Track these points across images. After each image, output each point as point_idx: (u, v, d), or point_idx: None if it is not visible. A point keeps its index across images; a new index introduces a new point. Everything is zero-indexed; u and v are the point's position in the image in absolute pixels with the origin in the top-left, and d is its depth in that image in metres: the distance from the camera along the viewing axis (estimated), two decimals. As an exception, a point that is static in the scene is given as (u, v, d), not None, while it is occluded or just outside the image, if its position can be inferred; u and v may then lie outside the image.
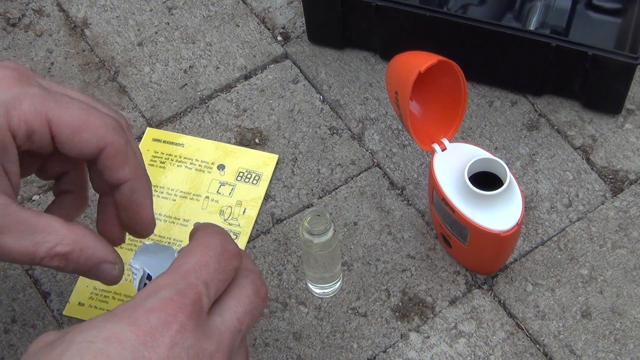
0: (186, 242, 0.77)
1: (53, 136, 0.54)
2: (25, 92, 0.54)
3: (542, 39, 0.76)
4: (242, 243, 0.77)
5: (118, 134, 0.56)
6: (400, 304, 0.73)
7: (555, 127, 0.82)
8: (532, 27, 0.81)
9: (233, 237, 0.77)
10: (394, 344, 0.71)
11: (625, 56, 0.76)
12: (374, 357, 0.71)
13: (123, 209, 0.58)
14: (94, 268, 0.56)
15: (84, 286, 0.75)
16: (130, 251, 0.77)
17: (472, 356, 0.70)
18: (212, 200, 0.79)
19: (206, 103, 0.85)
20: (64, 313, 0.74)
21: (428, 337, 0.71)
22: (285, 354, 0.71)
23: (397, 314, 0.73)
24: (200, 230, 0.53)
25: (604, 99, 0.81)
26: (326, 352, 0.71)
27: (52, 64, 0.89)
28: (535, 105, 0.83)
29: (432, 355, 0.71)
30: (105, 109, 0.58)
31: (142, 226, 0.60)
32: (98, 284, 0.76)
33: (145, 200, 0.58)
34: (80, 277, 0.76)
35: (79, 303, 0.75)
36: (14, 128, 0.53)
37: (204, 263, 0.50)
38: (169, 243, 0.77)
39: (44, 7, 0.93)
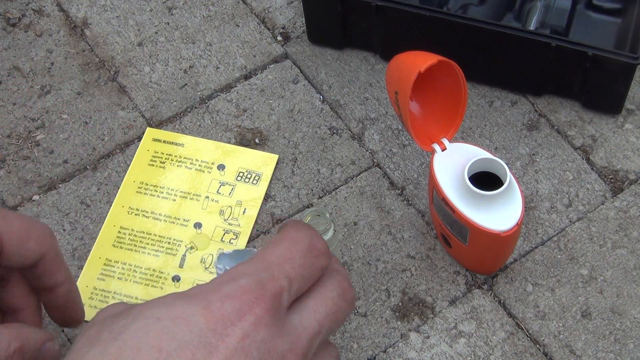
0: (186, 242, 0.77)
1: (2, 249, 0.57)
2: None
3: (542, 39, 0.76)
4: (242, 243, 0.77)
5: (54, 239, 0.60)
6: (400, 304, 0.73)
7: (555, 127, 0.82)
8: (532, 27, 0.81)
9: (233, 237, 0.77)
10: (394, 344, 0.71)
11: (625, 56, 0.75)
12: (374, 357, 0.71)
13: (59, 308, 0.63)
14: (41, 349, 0.58)
15: (84, 286, 0.75)
16: (130, 251, 0.77)
17: (472, 356, 0.70)
18: (212, 200, 0.79)
19: (206, 103, 0.85)
20: (64, 313, 0.74)
21: (428, 337, 0.71)
22: (285, 354, 0.71)
23: (397, 314, 0.73)
24: (288, 225, 0.50)
25: (604, 99, 0.81)
26: (326, 352, 0.71)
27: (52, 64, 0.89)
28: (535, 105, 0.83)
29: (432, 355, 0.71)
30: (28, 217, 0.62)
31: (77, 320, 0.65)
32: (98, 284, 0.76)
33: (79, 298, 0.64)
34: (80, 277, 0.76)
35: (79, 303, 0.75)
36: None
37: (289, 257, 0.46)
38: (169, 243, 0.77)
39: (44, 7, 0.93)
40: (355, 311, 0.73)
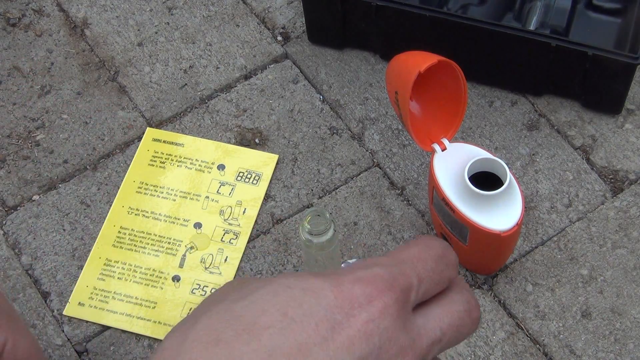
0: (186, 241, 0.77)
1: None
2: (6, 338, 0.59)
3: (542, 39, 0.76)
4: (242, 243, 0.77)
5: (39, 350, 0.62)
6: (400, 304, 0.73)
7: (555, 127, 0.82)
8: (532, 27, 0.81)
9: (233, 237, 0.77)
10: (394, 344, 0.71)
11: (625, 56, 0.75)
12: (374, 357, 0.71)
13: None
14: None
15: (84, 286, 0.75)
16: (130, 251, 0.77)
17: (472, 356, 0.70)
18: (212, 200, 0.79)
19: (206, 103, 0.85)
20: (64, 313, 0.74)
21: None
22: (285, 354, 0.71)
23: (397, 314, 0.73)
24: (422, 235, 0.52)
25: (604, 99, 0.81)
26: (326, 352, 0.71)
27: (52, 64, 0.89)
28: (535, 105, 0.83)
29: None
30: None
31: None
32: (98, 284, 0.76)
33: None
34: (80, 277, 0.76)
35: (79, 303, 0.75)
36: None
37: (421, 257, 0.47)
38: (169, 243, 0.77)
39: (44, 7, 0.93)
40: (355, 311, 0.73)
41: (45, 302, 0.75)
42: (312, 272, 0.44)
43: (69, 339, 0.73)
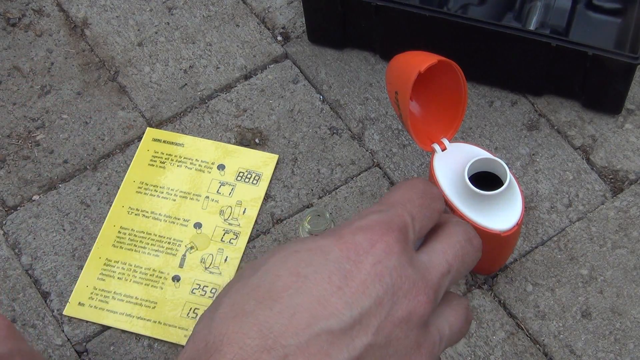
0: (186, 241, 0.77)
1: None
2: (18, 349, 0.58)
3: (542, 39, 0.76)
4: (242, 243, 0.77)
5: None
6: (400, 304, 0.73)
7: (555, 127, 0.82)
8: (532, 27, 0.81)
9: (233, 237, 0.77)
10: (394, 344, 0.71)
11: (625, 56, 0.75)
12: (374, 357, 0.71)
13: None
14: None
15: (84, 286, 0.75)
16: (130, 251, 0.77)
17: (472, 356, 0.70)
18: (212, 200, 0.79)
19: (206, 103, 0.85)
20: (64, 313, 0.74)
21: None
22: (285, 354, 0.71)
23: (397, 314, 0.73)
24: (404, 180, 0.54)
25: (604, 99, 0.81)
26: (326, 352, 0.71)
27: (52, 64, 0.89)
28: (535, 105, 0.83)
29: (432, 355, 0.71)
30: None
31: None
32: (98, 284, 0.76)
33: None
34: (80, 277, 0.76)
35: (79, 303, 0.75)
36: None
37: (408, 198, 0.49)
38: (169, 243, 0.77)
39: (44, 7, 0.93)
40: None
41: (45, 302, 0.75)
42: (314, 236, 0.46)
43: (69, 339, 0.73)
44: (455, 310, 0.50)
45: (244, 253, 0.76)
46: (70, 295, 0.75)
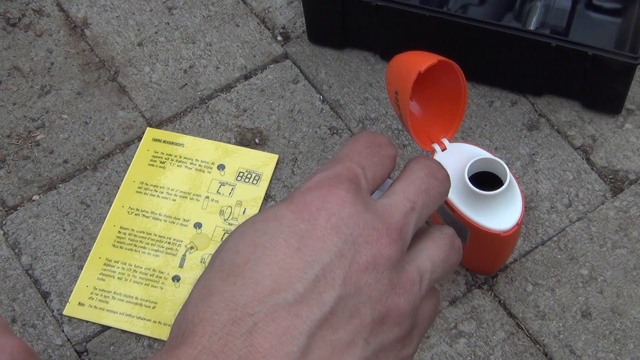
0: (186, 241, 0.77)
1: None
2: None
3: (542, 39, 0.76)
4: (242, 243, 0.77)
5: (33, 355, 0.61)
6: (400, 304, 0.73)
7: (555, 127, 0.82)
8: (532, 27, 0.81)
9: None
10: (394, 344, 0.71)
11: (625, 56, 0.75)
12: (374, 357, 0.71)
13: None
14: None
15: (84, 286, 0.75)
16: (130, 251, 0.77)
17: (472, 356, 0.70)
18: (212, 200, 0.79)
19: (206, 103, 0.85)
20: (64, 313, 0.74)
21: (428, 337, 0.71)
22: (285, 354, 0.71)
23: (397, 314, 0.73)
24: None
25: (604, 99, 0.81)
26: (326, 352, 0.71)
27: (52, 64, 0.89)
28: (535, 105, 0.83)
29: (432, 355, 0.71)
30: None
31: None
32: (98, 284, 0.76)
33: None
34: (80, 277, 0.76)
35: (79, 303, 0.75)
36: None
37: (355, 150, 0.49)
38: (169, 243, 0.77)
39: (44, 7, 0.93)
40: (355, 311, 0.73)
41: (45, 302, 0.75)
42: (271, 206, 0.45)
43: (69, 339, 0.73)
44: (436, 242, 0.49)
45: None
46: (70, 295, 0.75)
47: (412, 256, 0.48)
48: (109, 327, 0.74)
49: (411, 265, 0.47)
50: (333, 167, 0.47)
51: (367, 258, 0.44)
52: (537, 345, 0.71)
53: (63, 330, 0.74)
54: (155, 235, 0.77)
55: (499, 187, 0.66)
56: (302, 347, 0.41)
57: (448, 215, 0.69)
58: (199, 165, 0.81)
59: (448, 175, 0.51)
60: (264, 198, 0.79)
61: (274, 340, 0.41)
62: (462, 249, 0.51)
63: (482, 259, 0.73)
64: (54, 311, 0.75)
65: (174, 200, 0.80)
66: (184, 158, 0.82)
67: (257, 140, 0.83)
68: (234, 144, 0.82)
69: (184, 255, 0.77)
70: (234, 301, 0.42)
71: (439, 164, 0.50)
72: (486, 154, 0.68)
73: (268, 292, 0.42)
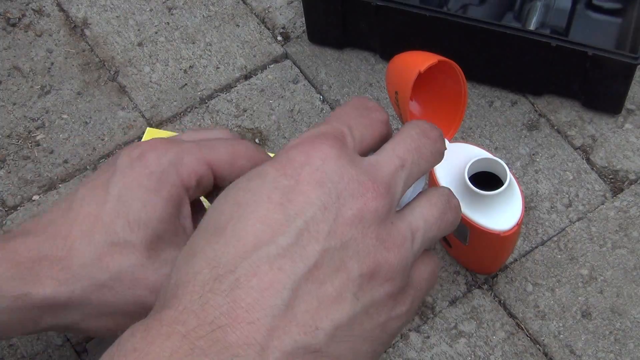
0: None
1: (215, 174, 0.58)
2: (182, 149, 0.58)
3: (542, 39, 0.76)
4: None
5: (259, 150, 0.60)
6: (400, 304, 0.73)
7: (555, 127, 0.82)
8: (532, 27, 0.81)
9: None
10: (394, 344, 0.71)
11: (625, 56, 0.75)
12: (374, 357, 0.71)
13: None
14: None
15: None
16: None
17: (472, 356, 0.70)
18: (212, 200, 0.79)
19: (206, 103, 0.85)
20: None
21: (428, 337, 0.71)
22: (285, 354, 0.71)
23: (397, 314, 0.73)
24: None
25: (604, 99, 0.81)
26: (326, 352, 0.71)
27: (52, 64, 0.89)
28: (535, 105, 0.83)
29: (432, 355, 0.71)
30: (229, 134, 0.63)
31: None
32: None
33: None
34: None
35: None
36: (186, 181, 0.57)
37: (344, 112, 0.48)
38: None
39: (44, 7, 0.93)
40: (355, 311, 0.73)
41: (45, 302, 0.75)
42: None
43: (68, 339, 0.73)
44: (430, 200, 0.48)
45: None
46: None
47: (404, 213, 0.47)
48: (109, 327, 0.74)
49: (402, 221, 0.46)
50: (318, 127, 0.47)
51: (353, 211, 0.43)
52: (537, 345, 0.71)
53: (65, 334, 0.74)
54: (155, 235, 0.77)
55: (499, 187, 0.66)
56: (286, 300, 0.41)
57: (448, 215, 0.68)
58: (199, 165, 0.81)
59: (441, 135, 0.50)
60: (264, 198, 0.79)
61: (257, 294, 0.41)
62: (459, 208, 0.50)
63: (482, 259, 0.73)
64: (54, 311, 0.75)
65: (174, 200, 0.79)
66: (184, 158, 0.82)
67: (257, 141, 0.83)
68: (234, 144, 0.82)
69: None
70: (215, 259, 0.42)
71: (432, 125, 0.50)
72: (486, 154, 0.68)
73: (250, 247, 0.42)
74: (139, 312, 0.53)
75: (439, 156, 0.51)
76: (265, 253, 0.41)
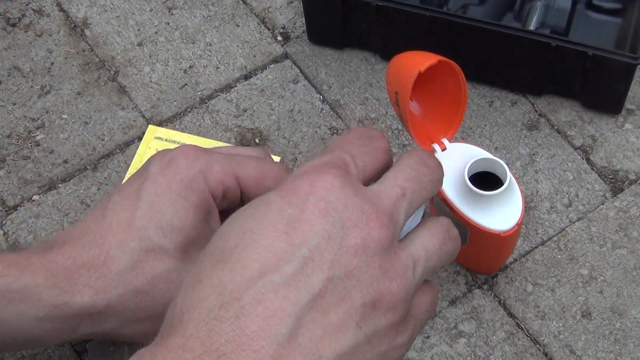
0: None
1: (242, 190, 0.60)
2: (212, 158, 0.60)
3: (542, 39, 0.76)
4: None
5: (289, 172, 0.62)
6: (400, 304, 0.73)
7: (555, 127, 0.82)
8: (532, 27, 0.81)
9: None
10: (394, 344, 0.71)
11: (625, 56, 0.75)
12: (374, 357, 0.71)
13: None
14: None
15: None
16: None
17: (472, 356, 0.70)
18: (212, 200, 0.79)
19: (206, 103, 0.85)
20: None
21: (428, 337, 0.71)
22: (285, 354, 0.71)
23: (397, 314, 0.73)
24: None
25: (604, 99, 0.81)
26: (326, 352, 0.71)
27: (52, 64, 0.89)
28: (535, 105, 0.83)
29: (432, 355, 0.71)
30: (264, 154, 0.65)
31: None
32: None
33: None
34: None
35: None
36: (213, 189, 0.59)
37: (347, 141, 0.49)
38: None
39: (44, 7, 0.93)
40: (355, 311, 0.73)
41: (45, 302, 0.75)
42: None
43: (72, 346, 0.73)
44: (431, 230, 0.49)
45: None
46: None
47: (405, 243, 0.47)
48: (109, 327, 0.74)
49: (404, 252, 0.47)
50: (323, 156, 0.47)
51: (357, 241, 0.44)
52: (537, 345, 0.71)
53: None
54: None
55: (499, 187, 0.66)
56: (290, 328, 0.41)
57: (448, 215, 0.69)
58: (199, 165, 0.81)
59: (440, 164, 0.51)
60: (264, 198, 0.79)
61: (262, 322, 0.41)
62: (459, 238, 0.51)
63: (482, 259, 0.73)
64: (54, 311, 0.75)
65: (174, 200, 0.79)
66: (184, 158, 0.82)
67: (257, 141, 0.83)
68: (234, 144, 0.82)
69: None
70: (221, 286, 0.42)
71: (430, 153, 0.51)
72: (486, 154, 0.68)
73: (255, 275, 0.42)
74: None
75: (438, 184, 0.51)
76: (270, 281, 0.42)
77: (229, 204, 0.60)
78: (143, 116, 0.85)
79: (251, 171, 0.60)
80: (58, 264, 0.56)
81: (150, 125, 0.84)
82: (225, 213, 0.61)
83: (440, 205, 0.69)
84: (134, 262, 0.56)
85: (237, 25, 0.90)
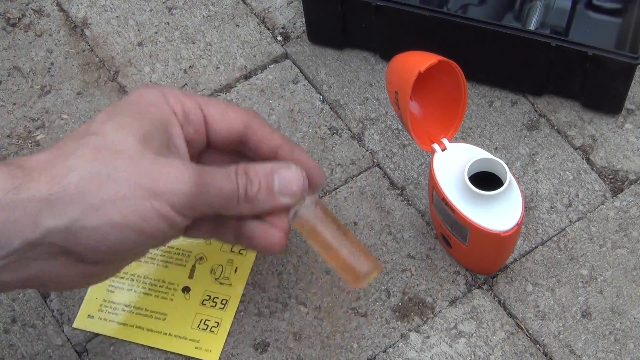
0: (195, 252, 0.77)
1: (205, 116, 0.63)
2: (174, 88, 0.63)
3: (542, 39, 0.76)
4: (251, 254, 0.76)
5: (255, 113, 0.65)
6: (400, 304, 0.73)
7: (555, 127, 0.82)
8: (532, 27, 0.81)
9: (242, 247, 0.76)
10: (394, 344, 0.71)
11: (625, 56, 0.76)
12: (374, 357, 0.71)
13: None
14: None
15: (93, 298, 0.74)
16: (139, 262, 0.77)
17: (472, 356, 0.70)
18: (212, 200, 0.79)
19: (206, 103, 0.85)
20: (73, 326, 0.73)
21: (428, 337, 0.71)
22: (285, 354, 0.71)
23: (397, 314, 0.73)
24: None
25: (604, 99, 0.81)
26: (326, 352, 0.71)
27: (52, 64, 0.89)
28: (535, 105, 0.83)
29: (432, 355, 0.71)
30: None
31: (317, 176, 0.66)
32: (107, 296, 0.75)
33: (306, 154, 0.66)
34: (90, 289, 0.75)
35: (89, 315, 0.74)
36: (173, 105, 0.61)
37: None
38: (178, 254, 0.77)
39: (44, 7, 0.93)
40: (355, 311, 0.73)
41: (45, 302, 0.75)
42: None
43: (69, 339, 0.73)
44: None
45: (254, 263, 0.76)
46: (79, 308, 0.74)
47: None
48: (109, 327, 0.74)
49: None
50: None
51: None
52: (537, 345, 0.71)
53: (63, 331, 0.74)
54: (164, 246, 0.77)
55: (499, 187, 0.66)
56: None
57: (448, 216, 0.69)
58: (199, 165, 0.81)
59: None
60: (264, 198, 0.79)
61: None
62: None
63: (482, 259, 0.73)
64: (54, 311, 0.75)
65: (174, 200, 0.79)
66: (184, 158, 0.82)
67: (257, 140, 0.83)
68: (234, 144, 0.82)
69: (194, 266, 0.76)
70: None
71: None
72: (486, 154, 0.68)
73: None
74: (141, 194, 0.56)
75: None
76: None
77: (194, 131, 0.62)
78: (143, 116, 0.85)
79: (214, 103, 0.63)
80: (13, 163, 0.56)
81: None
82: (204, 155, 0.65)
83: (440, 205, 0.69)
84: (91, 153, 0.57)
85: (237, 25, 0.90)
